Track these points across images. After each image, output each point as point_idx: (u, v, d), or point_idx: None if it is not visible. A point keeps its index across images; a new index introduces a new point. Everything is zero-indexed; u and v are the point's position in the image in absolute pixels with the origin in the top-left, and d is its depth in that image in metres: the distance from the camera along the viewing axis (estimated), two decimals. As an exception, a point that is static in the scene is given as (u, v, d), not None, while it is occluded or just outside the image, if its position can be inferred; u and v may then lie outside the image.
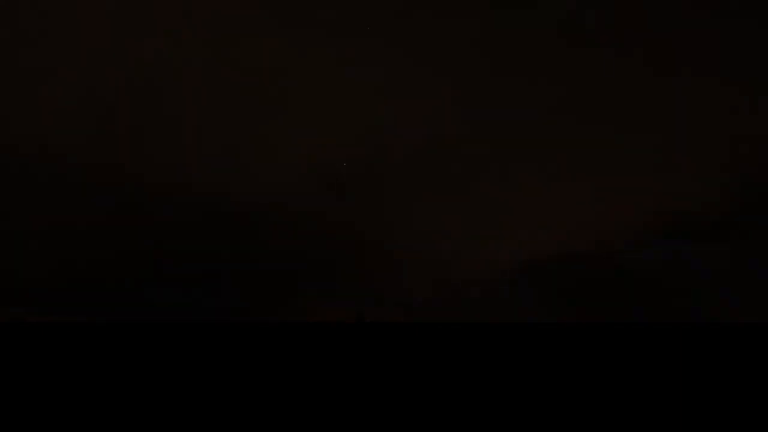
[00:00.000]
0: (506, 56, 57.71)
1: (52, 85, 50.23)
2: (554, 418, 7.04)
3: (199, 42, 51.88)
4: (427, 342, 21.67)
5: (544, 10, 53.91)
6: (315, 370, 11.83)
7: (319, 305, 42.03)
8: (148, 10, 50.60)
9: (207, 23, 51.89)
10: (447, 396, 8.70)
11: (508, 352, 17.02)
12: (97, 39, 50.78)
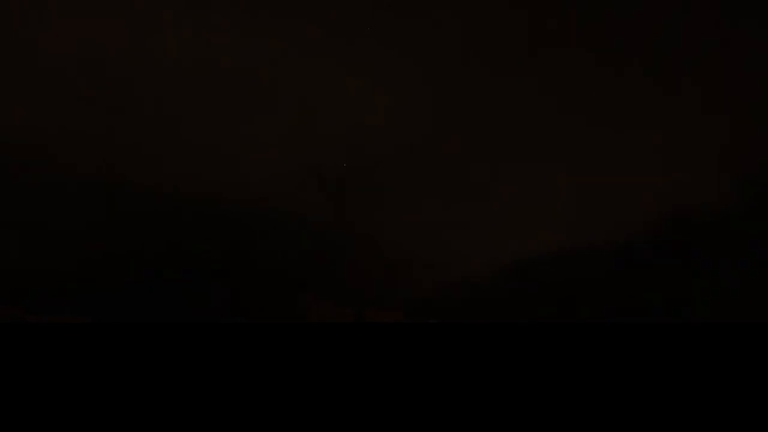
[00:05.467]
0: (506, 57, 57.63)
1: (48, 85, 50.18)
2: (553, 418, 7.05)
3: (196, 42, 51.82)
4: (427, 342, 21.68)
5: (542, 12, 53.88)
6: (315, 371, 11.84)
7: (319, 305, 42.01)
8: (145, 10, 50.54)
9: (203, 22, 51.83)
10: (446, 395, 8.71)
11: (507, 352, 17.04)
12: (93, 38, 50.74)
